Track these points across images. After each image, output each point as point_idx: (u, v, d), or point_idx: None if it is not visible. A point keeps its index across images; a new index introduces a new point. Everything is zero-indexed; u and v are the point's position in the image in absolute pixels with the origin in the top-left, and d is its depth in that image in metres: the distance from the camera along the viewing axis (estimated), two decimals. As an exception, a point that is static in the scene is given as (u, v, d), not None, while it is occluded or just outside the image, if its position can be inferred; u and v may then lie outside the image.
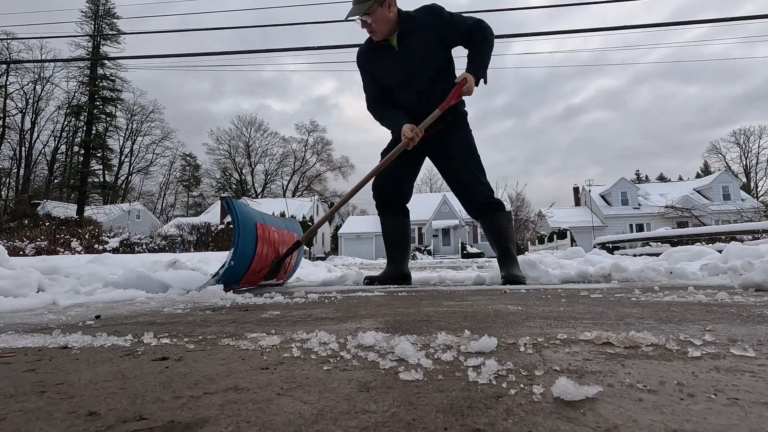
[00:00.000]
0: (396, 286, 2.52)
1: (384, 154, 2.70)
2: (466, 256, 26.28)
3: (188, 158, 47.16)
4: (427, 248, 29.50)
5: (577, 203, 34.88)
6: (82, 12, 31.62)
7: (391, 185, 2.72)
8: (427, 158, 2.85)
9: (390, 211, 2.75)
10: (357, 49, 2.65)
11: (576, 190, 35.49)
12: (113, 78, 31.85)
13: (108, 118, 32.28)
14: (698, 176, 43.65)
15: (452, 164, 2.63)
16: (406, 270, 2.76)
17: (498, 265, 2.68)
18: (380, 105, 2.61)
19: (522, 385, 0.48)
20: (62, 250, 9.76)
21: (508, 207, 2.59)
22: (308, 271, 4.98)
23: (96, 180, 31.71)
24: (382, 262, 16.13)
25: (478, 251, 27.85)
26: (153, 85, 54.56)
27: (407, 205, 2.84)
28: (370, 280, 2.61)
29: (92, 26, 31.48)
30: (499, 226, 2.68)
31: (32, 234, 11.06)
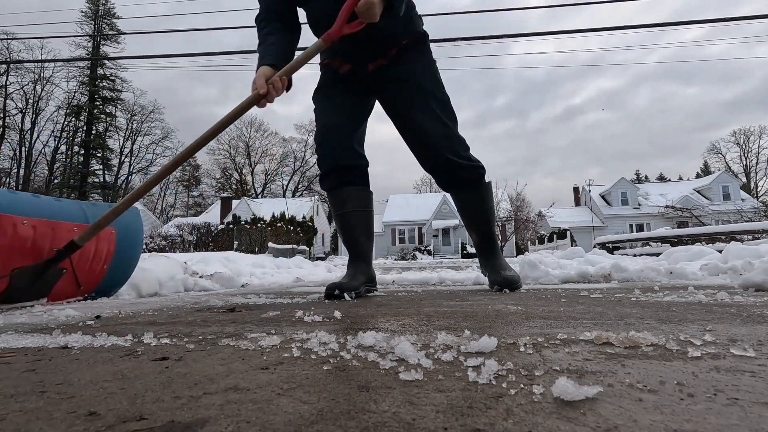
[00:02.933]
0: (373, 292, 1.99)
1: (314, 99, 2.01)
2: (466, 256, 26.28)
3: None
4: (427, 248, 29.51)
5: (577, 203, 34.89)
6: (82, 12, 31.63)
7: (343, 141, 1.91)
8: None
9: (347, 179, 1.93)
10: None
11: (576, 190, 35.51)
12: (113, 78, 31.88)
13: (108, 118, 32.30)
14: (698, 176, 43.65)
15: (404, 105, 1.87)
16: (373, 270, 2.02)
17: (479, 258, 2.06)
18: (268, 23, 1.80)
19: (522, 385, 0.48)
20: (62, 250, 9.75)
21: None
22: (308, 272, 4.98)
23: (96, 180, 31.72)
24: (382, 262, 16.06)
25: (478, 251, 27.78)
26: (161, 91, 54.75)
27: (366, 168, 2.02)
28: (333, 291, 1.71)
29: (92, 26, 31.48)
30: (479, 201, 1.97)
31: (32, 234, 11.03)
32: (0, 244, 1.50)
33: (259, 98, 1.55)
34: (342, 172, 1.93)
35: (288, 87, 1.65)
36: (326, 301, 1.67)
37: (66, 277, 1.73)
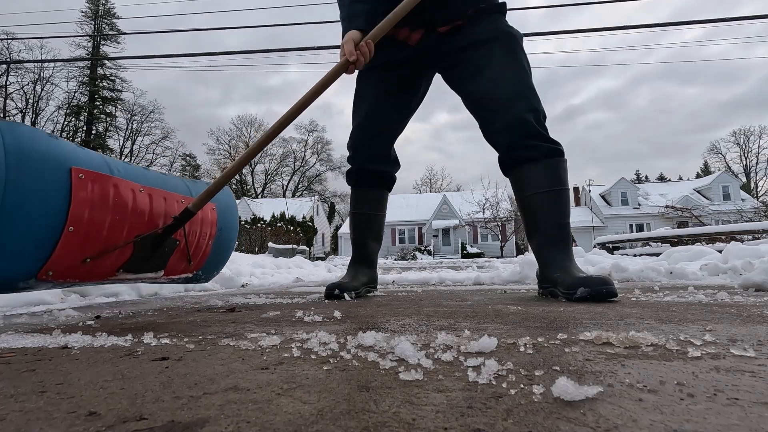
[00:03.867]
0: (373, 292, 1.96)
1: (359, 82, 1.84)
2: (466, 256, 26.29)
3: (188, 158, 47.19)
4: (427, 248, 29.51)
5: (577, 203, 34.88)
6: (82, 12, 31.65)
7: (381, 148, 1.83)
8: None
9: (373, 182, 1.88)
10: None
11: (576, 190, 35.51)
12: (113, 78, 31.90)
13: (108, 118, 32.33)
14: (698, 176, 43.65)
15: (486, 61, 1.59)
16: (376, 272, 1.98)
17: (541, 261, 1.58)
18: None
19: (522, 385, 0.48)
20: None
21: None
22: (308, 272, 4.98)
23: (96, 180, 31.68)
24: (382, 262, 16.05)
25: (478, 251, 27.87)
26: (164, 92, 54.79)
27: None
28: (333, 291, 1.68)
29: (92, 26, 31.50)
30: (563, 179, 1.57)
31: (32, 234, 11.04)
32: (122, 210, 1.41)
33: (348, 65, 1.49)
34: (369, 175, 1.89)
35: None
36: (326, 300, 1.66)
37: (178, 251, 1.67)
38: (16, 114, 33.07)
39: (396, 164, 1.96)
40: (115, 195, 1.38)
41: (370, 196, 1.92)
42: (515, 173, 1.62)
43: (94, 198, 1.31)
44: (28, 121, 33.42)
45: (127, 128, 38.36)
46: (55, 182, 1.24)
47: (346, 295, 1.67)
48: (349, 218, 1.98)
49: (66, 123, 34.52)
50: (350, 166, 1.93)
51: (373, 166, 1.87)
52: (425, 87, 1.88)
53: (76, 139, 33.04)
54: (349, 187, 1.98)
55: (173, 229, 1.52)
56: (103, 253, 1.37)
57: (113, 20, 31.84)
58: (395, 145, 1.94)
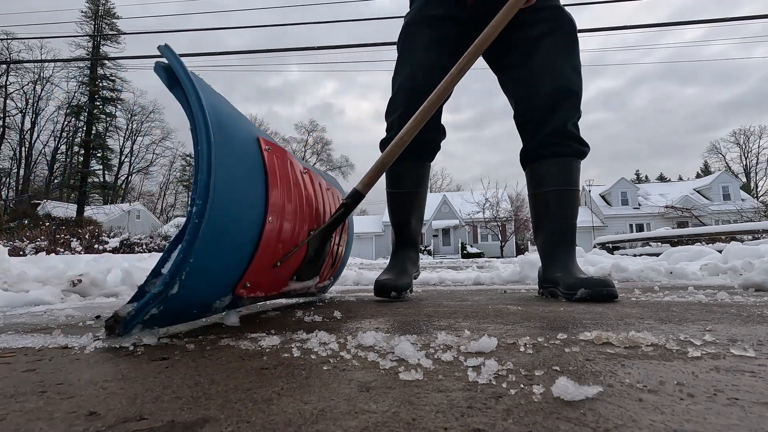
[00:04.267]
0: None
1: (407, 34, 1.64)
2: (466, 256, 26.29)
3: (188, 158, 47.19)
4: (427, 248, 29.52)
5: (577, 203, 34.82)
6: (82, 12, 31.63)
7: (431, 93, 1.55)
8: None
9: (417, 152, 1.64)
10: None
11: (576, 190, 35.41)
12: (113, 78, 31.88)
13: (108, 118, 32.32)
14: (698, 176, 43.68)
15: (541, 62, 1.52)
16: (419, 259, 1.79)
17: (544, 259, 1.59)
18: None
19: (522, 385, 0.48)
20: (62, 250, 9.77)
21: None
22: (308, 271, 4.98)
23: (96, 180, 31.73)
24: (383, 262, 15.99)
25: (478, 251, 27.87)
26: (167, 94, 54.76)
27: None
28: (389, 293, 1.52)
29: (92, 26, 31.49)
30: (576, 180, 1.57)
31: (32, 234, 11.07)
32: (299, 195, 1.12)
33: None
34: (413, 144, 1.51)
35: None
36: (377, 298, 1.57)
37: (329, 251, 1.37)
38: (16, 114, 33.08)
39: (443, 132, 1.73)
40: (293, 174, 1.11)
41: (413, 171, 1.68)
42: (536, 167, 1.60)
43: (282, 175, 1.04)
44: (28, 121, 33.46)
45: (127, 128, 38.38)
46: (251, 158, 0.94)
47: (406, 294, 1.52)
48: (388, 198, 1.74)
49: (66, 123, 34.54)
50: (387, 135, 1.67)
51: (420, 135, 1.52)
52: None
53: (76, 139, 33.05)
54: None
55: (341, 220, 1.24)
56: (289, 254, 1.06)
57: (113, 20, 31.83)
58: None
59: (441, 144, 1.74)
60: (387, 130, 1.67)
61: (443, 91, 1.34)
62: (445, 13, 1.61)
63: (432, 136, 1.67)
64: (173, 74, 0.83)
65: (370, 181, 1.30)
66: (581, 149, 1.56)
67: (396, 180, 1.72)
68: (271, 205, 0.96)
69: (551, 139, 1.54)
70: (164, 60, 0.83)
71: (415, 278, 1.73)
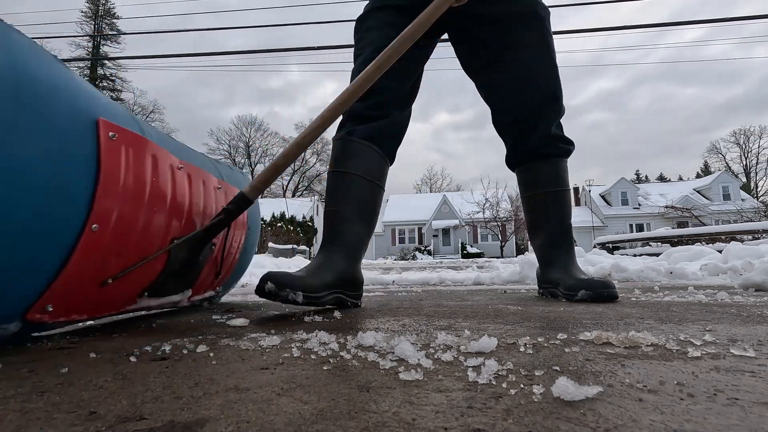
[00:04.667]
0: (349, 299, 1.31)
1: (363, 22, 1.49)
2: (466, 256, 26.29)
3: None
4: (427, 248, 29.52)
5: (577, 203, 34.88)
6: (82, 12, 31.64)
7: (403, 79, 1.44)
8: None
9: (368, 132, 1.38)
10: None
11: (576, 190, 35.50)
12: (113, 78, 31.86)
13: (108, 118, 32.30)
14: (698, 176, 43.66)
15: (515, 64, 1.46)
16: (358, 271, 1.35)
17: (543, 261, 1.58)
18: None
19: (522, 385, 0.48)
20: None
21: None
22: (308, 271, 4.97)
23: (96, 180, 31.69)
24: (383, 262, 15.98)
25: (478, 251, 27.88)
26: (169, 96, 55.07)
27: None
28: (265, 285, 1.09)
29: (92, 26, 31.49)
30: (565, 179, 1.57)
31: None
32: (161, 196, 0.94)
33: None
34: (370, 121, 1.37)
35: None
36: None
37: (210, 260, 1.22)
38: (16, 114, 33.01)
39: (406, 115, 1.51)
40: (153, 172, 0.91)
41: (366, 155, 1.37)
42: (524, 170, 1.59)
43: (128, 174, 0.83)
44: (28, 121, 33.35)
45: (127, 128, 38.26)
46: (74, 145, 0.73)
47: (289, 294, 1.10)
48: (328, 181, 1.40)
49: (66, 123, 34.42)
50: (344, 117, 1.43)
51: (376, 111, 1.38)
52: (430, 50, 1.57)
53: (76, 139, 32.99)
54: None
55: (221, 227, 1.09)
56: (131, 269, 0.89)
57: (113, 20, 31.84)
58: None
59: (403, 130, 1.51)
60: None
61: (350, 94, 1.18)
62: (403, 3, 1.44)
63: (391, 113, 1.43)
64: None
65: (259, 184, 1.13)
66: (568, 148, 1.57)
67: (344, 157, 1.39)
68: (98, 210, 0.77)
69: (539, 143, 1.53)
70: None
71: (342, 303, 1.29)
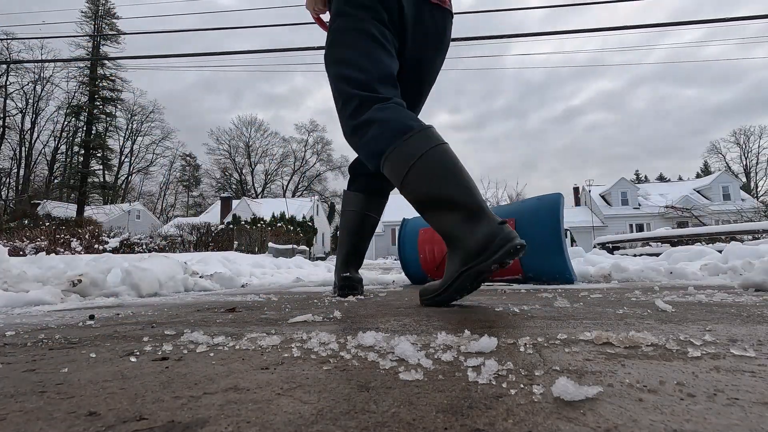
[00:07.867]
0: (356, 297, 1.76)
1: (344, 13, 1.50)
2: (466, 256, 26.21)
3: (188, 158, 47.21)
4: (427, 248, 29.41)
5: (577, 203, 34.87)
6: (82, 12, 31.60)
7: (387, 78, 1.47)
8: None
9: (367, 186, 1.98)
10: None
11: (576, 190, 35.50)
12: (113, 78, 31.83)
13: (108, 118, 32.28)
14: (698, 176, 43.66)
15: (426, 81, 1.68)
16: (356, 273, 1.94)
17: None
18: None
19: (522, 385, 0.48)
20: (62, 250, 9.76)
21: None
22: (308, 272, 4.98)
23: (96, 180, 31.68)
24: (383, 262, 15.98)
25: (478, 251, 27.76)
26: (173, 99, 55.24)
27: None
28: (347, 291, 1.83)
29: (92, 26, 31.46)
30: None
31: (32, 234, 11.06)
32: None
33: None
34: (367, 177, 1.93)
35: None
36: (336, 299, 1.74)
37: None
38: (16, 114, 33.07)
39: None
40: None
41: (356, 199, 1.95)
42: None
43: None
44: (28, 121, 33.42)
45: (127, 128, 38.39)
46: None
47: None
48: (344, 219, 2.00)
49: (66, 123, 34.51)
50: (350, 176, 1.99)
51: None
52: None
53: (76, 139, 33.00)
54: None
55: None
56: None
57: (113, 20, 31.83)
58: None
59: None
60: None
61: None
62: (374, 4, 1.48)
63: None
64: None
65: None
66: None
67: (354, 203, 1.98)
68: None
69: None
70: None
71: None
